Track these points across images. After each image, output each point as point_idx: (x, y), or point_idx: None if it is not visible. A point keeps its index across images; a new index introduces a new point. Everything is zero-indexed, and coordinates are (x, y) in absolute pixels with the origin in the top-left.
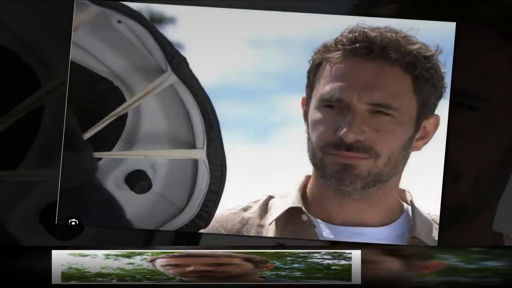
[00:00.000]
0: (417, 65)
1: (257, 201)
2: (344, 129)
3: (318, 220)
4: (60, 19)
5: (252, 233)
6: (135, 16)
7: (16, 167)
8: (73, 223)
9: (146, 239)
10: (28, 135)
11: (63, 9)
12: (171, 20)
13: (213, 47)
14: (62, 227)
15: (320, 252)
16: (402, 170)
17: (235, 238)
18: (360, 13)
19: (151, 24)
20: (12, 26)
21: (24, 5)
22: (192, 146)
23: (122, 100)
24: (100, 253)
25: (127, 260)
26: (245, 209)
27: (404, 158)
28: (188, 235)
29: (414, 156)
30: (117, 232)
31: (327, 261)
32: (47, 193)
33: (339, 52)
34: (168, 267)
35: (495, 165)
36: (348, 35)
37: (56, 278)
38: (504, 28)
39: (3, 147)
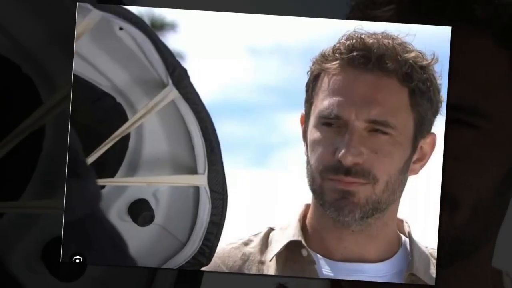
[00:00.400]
0: (413, 76)
1: (257, 234)
2: (343, 151)
3: (318, 255)
4: (61, 27)
5: (253, 270)
6: (137, 22)
7: (19, 197)
8: (77, 261)
9: (148, 277)
10: (29, 159)
11: (65, 16)
12: (171, 26)
13: (213, 55)
14: (65, 266)
15: None
16: (399, 197)
17: (237, 276)
18: (359, 15)
19: (153, 32)
20: (12, 33)
21: (24, 12)
22: (194, 171)
23: (125, 118)
24: None
25: None
26: (246, 243)
27: (402, 184)
28: (191, 273)
29: (410, 181)
30: (120, 272)
31: None
32: (48, 228)
33: (337, 62)
34: None
35: (493, 191)
36: (345, 42)
37: None
38: (502, 32)
39: (4, 174)
